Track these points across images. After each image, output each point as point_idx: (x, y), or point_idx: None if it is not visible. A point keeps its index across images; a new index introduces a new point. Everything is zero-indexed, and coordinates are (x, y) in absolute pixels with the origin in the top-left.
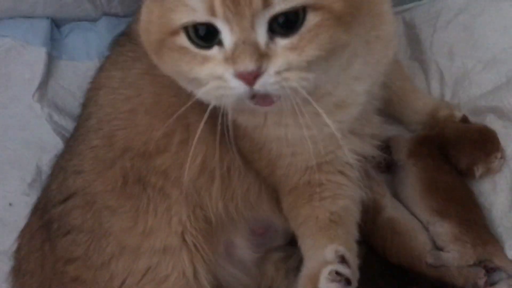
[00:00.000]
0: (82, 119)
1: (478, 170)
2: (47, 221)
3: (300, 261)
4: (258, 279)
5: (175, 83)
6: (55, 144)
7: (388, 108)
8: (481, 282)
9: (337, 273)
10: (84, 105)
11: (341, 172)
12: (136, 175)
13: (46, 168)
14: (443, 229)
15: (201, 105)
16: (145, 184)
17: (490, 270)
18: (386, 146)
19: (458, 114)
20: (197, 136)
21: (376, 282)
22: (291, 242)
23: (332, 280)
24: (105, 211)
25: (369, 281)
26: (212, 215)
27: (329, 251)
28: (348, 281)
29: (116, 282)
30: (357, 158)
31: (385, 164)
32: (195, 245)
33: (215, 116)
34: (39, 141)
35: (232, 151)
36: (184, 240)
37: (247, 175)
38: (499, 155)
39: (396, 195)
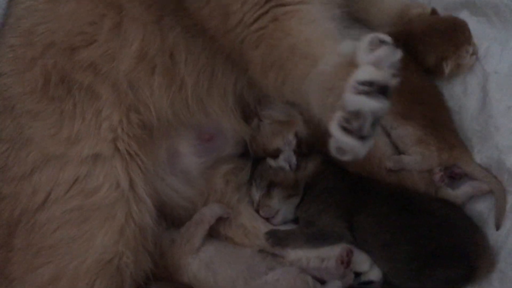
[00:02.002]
0: (3, 22)
1: (448, 66)
2: None
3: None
4: (204, 192)
5: None
6: None
7: (352, 8)
8: (436, 177)
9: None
10: (7, 9)
11: None
12: (59, 74)
13: None
14: (406, 132)
15: None
16: (70, 84)
17: (456, 176)
18: None
19: (429, 11)
20: None
21: (332, 192)
22: (243, 155)
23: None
24: (25, 116)
25: (325, 191)
26: (154, 117)
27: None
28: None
29: (39, 195)
30: None
31: None
32: (129, 153)
33: None
34: None
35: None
36: (116, 147)
37: (196, 60)
38: (470, 49)
39: None
